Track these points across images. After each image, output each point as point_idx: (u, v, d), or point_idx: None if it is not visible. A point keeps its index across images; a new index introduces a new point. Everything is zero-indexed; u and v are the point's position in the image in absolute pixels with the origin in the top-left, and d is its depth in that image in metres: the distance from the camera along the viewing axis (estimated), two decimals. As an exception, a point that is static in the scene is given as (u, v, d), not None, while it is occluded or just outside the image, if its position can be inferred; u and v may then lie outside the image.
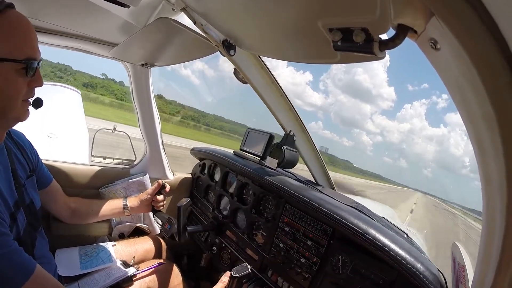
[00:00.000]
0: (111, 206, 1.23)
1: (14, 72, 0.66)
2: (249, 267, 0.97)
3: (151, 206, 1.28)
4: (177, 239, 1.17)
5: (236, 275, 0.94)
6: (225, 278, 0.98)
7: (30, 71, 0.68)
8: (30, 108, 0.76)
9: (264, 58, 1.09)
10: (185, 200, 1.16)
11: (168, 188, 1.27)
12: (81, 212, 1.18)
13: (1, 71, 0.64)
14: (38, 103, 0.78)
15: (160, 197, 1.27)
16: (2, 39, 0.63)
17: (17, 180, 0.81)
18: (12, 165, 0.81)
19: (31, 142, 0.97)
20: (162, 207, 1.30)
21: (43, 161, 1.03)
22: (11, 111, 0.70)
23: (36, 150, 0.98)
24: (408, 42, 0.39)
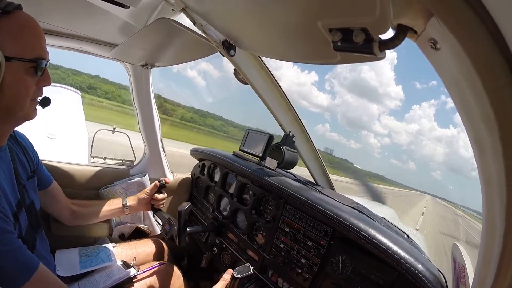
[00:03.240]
0: (110, 206, 1.23)
1: (24, 71, 0.67)
2: (251, 268, 0.95)
3: (151, 205, 1.29)
4: (177, 243, 1.16)
5: (238, 275, 0.92)
6: (227, 276, 0.97)
7: (39, 70, 0.69)
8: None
9: (265, 59, 1.09)
10: (186, 205, 1.15)
11: (168, 180, 1.27)
12: (81, 213, 1.18)
13: (10, 70, 0.64)
14: (45, 102, 0.79)
15: (160, 196, 1.27)
16: (11, 39, 0.64)
17: (18, 181, 0.81)
18: (14, 165, 0.82)
19: (31, 142, 0.97)
20: (162, 206, 1.30)
21: (43, 162, 1.03)
22: (20, 109, 0.71)
23: (36, 152, 0.98)
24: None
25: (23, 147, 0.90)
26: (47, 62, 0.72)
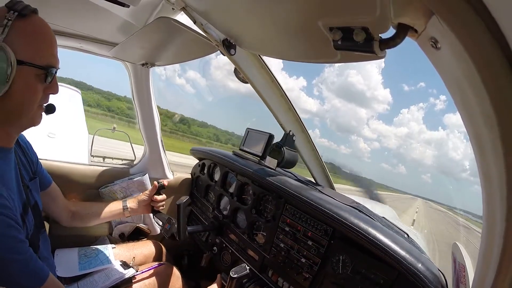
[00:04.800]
0: (111, 208, 1.23)
1: (34, 77, 0.67)
2: (247, 267, 0.97)
3: (151, 206, 1.28)
4: (177, 238, 1.16)
5: (235, 275, 0.94)
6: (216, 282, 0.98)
7: (49, 77, 0.69)
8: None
9: (264, 58, 1.09)
10: (184, 198, 1.15)
11: (166, 182, 1.27)
12: (81, 214, 1.18)
13: (21, 74, 0.64)
14: (50, 109, 0.78)
15: (160, 197, 1.26)
16: (25, 43, 0.64)
17: (23, 182, 0.81)
18: (18, 166, 0.81)
19: (31, 141, 0.97)
20: (162, 207, 1.30)
21: (43, 161, 1.02)
22: (27, 115, 0.71)
23: (35, 152, 0.98)
24: (404, 42, 0.39)
25: (23, 148, 0.89)
26: (57, 70, 0.72)
